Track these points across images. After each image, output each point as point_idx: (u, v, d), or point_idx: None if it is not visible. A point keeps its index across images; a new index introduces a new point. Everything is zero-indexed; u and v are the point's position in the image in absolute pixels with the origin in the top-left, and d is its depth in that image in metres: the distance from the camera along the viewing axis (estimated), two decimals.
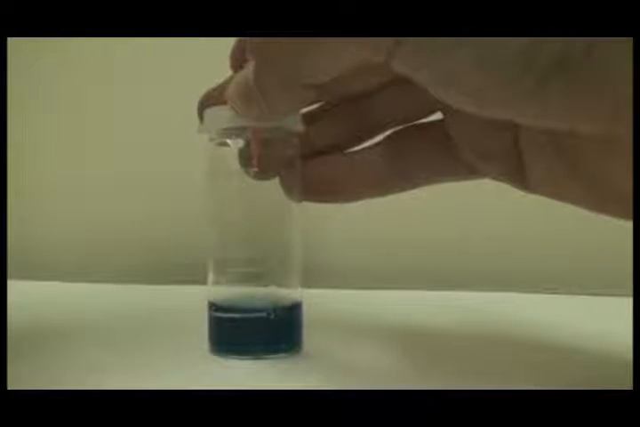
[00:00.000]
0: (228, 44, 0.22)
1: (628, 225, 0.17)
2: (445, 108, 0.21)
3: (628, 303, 0.23)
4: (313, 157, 0.23)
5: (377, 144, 0.23)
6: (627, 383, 0.16)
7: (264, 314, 0.24)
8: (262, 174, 0.23)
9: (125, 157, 0.45)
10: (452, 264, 0.41)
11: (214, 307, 0.25)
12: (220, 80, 0.22)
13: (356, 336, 0.27)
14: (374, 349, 0.26)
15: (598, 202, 0.19)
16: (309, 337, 0.25)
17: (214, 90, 0.23)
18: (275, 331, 0.24)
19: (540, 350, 0.26)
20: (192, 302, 0.26)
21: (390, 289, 0.37)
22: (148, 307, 0.34)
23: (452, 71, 0.15)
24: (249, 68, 0.19)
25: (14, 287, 0.27)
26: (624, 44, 0.14)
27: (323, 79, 0.18)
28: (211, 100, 0.22)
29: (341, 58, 0.17)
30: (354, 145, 0.23)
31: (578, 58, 0.14)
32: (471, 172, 0.21)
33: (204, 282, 0.25)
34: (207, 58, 0.32)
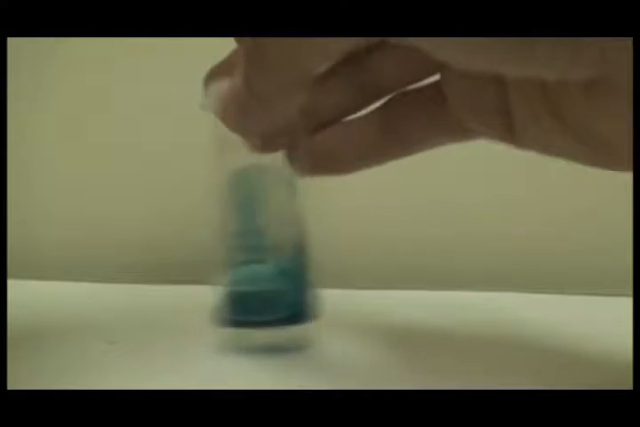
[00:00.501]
0: (228, 44, 0.22)
1: (628, 224, 0.17)
2: (441, 66, 0.21)
3: (627, 303, 0.23)
4: (313, 132, 0.23)
5: (372, 111, 0.23)
6: (627, 383, 0.16)
7: (269, 286, 0.24)
8: (265, 149, 0.22)
9: (126, 156, 0.45)
10: (452, 264, 0.41)
11: (225, 282, 0.25)
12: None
13: (355, 336, 0.27)
14: (373, 349, 0.26)
15: (589, 154, 0.19)
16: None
17: (220, 65, 0.22)
18: (287, 302, 0.25)
19: (539, 349, 0.26)
20: (192, 302, 0.26)
21: (390, 289, 0.37)
22: (148, 307, 0.34)
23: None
24: (237, 79, 0.18)
25: (14, 286, 0.27)
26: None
27: (322, 66, 0.18)
28: (216, 76, 0.22)
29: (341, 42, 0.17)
30: (352, 113, 0.23)
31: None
32: (465, 130, 0.22)
33: (204, 282, 0.25)
34: (208, 58, 0.32)
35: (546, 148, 0.20)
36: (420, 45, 0.16)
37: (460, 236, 0.42)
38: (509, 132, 0.20)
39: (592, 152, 0.19)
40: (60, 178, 0.46)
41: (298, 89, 0.19)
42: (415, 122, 0.22)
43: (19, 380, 0.20)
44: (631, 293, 0.17)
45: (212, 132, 0.24)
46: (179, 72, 0.42)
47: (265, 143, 0.22)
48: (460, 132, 0.22)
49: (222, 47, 0.22)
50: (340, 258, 0.42)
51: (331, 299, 0.32)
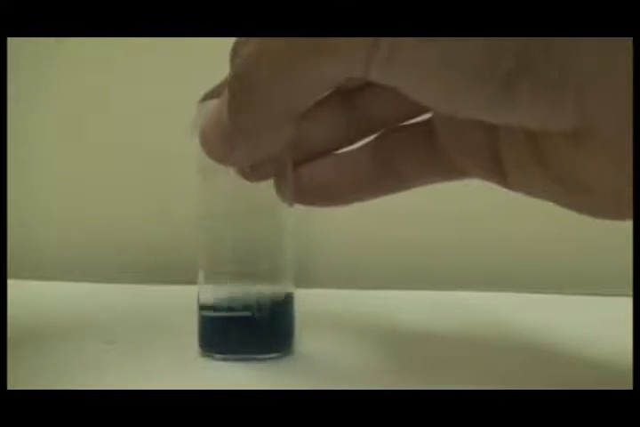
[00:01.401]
0: (228, 43, 0.22)
1: (628, 225, 0.17)
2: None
3: (627, 303, 0.23)
4: (303, 163, 0.23)
5: (365, 145, 0.23)
6: (627, 383, 0.16)
7: (247, 313, 0.23)
8: (253, 179, 0.22)
9: (126, 156, 0.45)
10: (452, 264, 0.41)
11: (201, 305, 0.24)
12: (220, 80, 0.22)
13: (354, 337, 0.27)
14: (373, 348, 0.26)
15: (574, 200, 0.19)
16: (307, 338, 0.25)
17: (215, 89, 0.22)
18: (259, 331, 0.24)
19: (539, 350, 0.26)
20: (192, 302, 0.26)
21: (389, 289, 0.37)
22: (148, 307, 0.34)
23: (420, 76, 0.16)
24: (222, 111, 0.18)
25: (14, 287, 0.27)
26: (582, 43, 0.15)
27: (306, 104, 0.18)
28: (211, 98, 0.22)
29: (322, 75, 0.17)
30: (343, 146, 0.23)
31: (536, 56, 0.15)
32: (456, 170, 0.21)
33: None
34: (208, 58, 0.32)
35: (532, 192, 0.20)
36: (401, 89, 0.16)
37: (461, 237, 0.42)
38: (500, 174, 0.20)
39: (576, 199, 0.18)
40: (60, 178, 0.46)
41: (284, 125, 0.18)
42: (407, 158, 0.22)
43: (19, 380, 0.20)
44: (631, 293, 0.17)
45: (196, 158, 0.24)
46: (179, 72, 0.42)
47: (253, 171, 0.22)
48: (453, 171, 0.22)
49: (222, 48, 0.22)
50: (341, 258, 0.43)
51: (331, 299, 0.32)
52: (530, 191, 0.20)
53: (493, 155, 0.20)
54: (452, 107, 0.17)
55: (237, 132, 0.19)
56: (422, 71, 0.16)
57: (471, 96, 0.16)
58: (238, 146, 0.19)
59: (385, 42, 0.15)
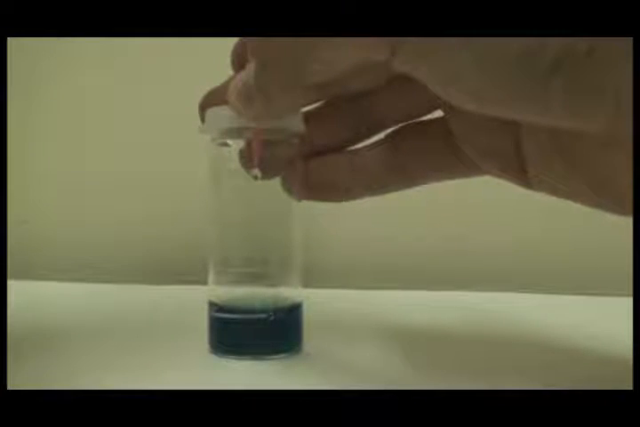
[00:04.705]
0: (228, 43, 0.22)
1: (628, 225, 0.17)
2: (446, 106, 0.21)
3: (627, 303, 0.23)
4: (313, 156, 0.23)
5: (377, 142, 0.23)
6: (627, 383, 0.16)
7: (264, 315, 0.24)
8: (263, 175, 0.23)
9: (126, 156, 0.44)
10: (452, 264, 0.41)
11: (215, 307, 0.25)
12: (221, 80, 0.22)
13: (355, 336, 0.27)
14: (374, 349, 0.26)
15: (599, 200, 0.19)
16: (309, 337, 0.25)
17: (216, 90, 0.23)
18: (275, 332, 0.24)
19: (539, 350, 0.26)
20: (192, 302, 0.26)
21: (390, 289, 0.37)
22: (149, 307, 0.34)
23: (451, 70, 0.15)
24: (249, 68, 0.19)
25: (14, 287, 0.27)
26: (625, 45, 0.14)
27: (323, 78, 0.18)
28: (212, 100, 0.22)
29: (342, 57, 0.17)
30: (354, 144, 0.23)
31: (578, 58, 0.14)
32: (471, 169, 0.21)
33: (204, 282, 0.25)
34: (208, 58, 0.32)
35: (555, 191, 0.20)
36: (430, 86, 0.16)
37: (461, 236, 0.42)
38: (519, 173, 0.20)
39: (601, 198, 0.18)
40: (60, 178, 0.46)
41: (297, 87, 0.19)
42: (419, 158, 0.22)
43: (19, 380, 0.20)
44: (631, 293, 0.17)
45: (208, 156, 0.24)
46: (179, 72, 0.42)
47: (264, 173, 0.23)
48: (466, 169, 0.22)
49: (222, 48, 0.22)
50: (340, 258, 0.43)
51: (331, 299, 0.32)
52: (552, 190, 0.20)
53: (515, 155, 0.20)
54: (480, 103, 0.16)
55: (256, 89, 0.19)
56: (451, 68, 0.15)
57: (502, 93, 0.15)
58: (255, 102, 0.20)
59: (411, 39, 0.15)
